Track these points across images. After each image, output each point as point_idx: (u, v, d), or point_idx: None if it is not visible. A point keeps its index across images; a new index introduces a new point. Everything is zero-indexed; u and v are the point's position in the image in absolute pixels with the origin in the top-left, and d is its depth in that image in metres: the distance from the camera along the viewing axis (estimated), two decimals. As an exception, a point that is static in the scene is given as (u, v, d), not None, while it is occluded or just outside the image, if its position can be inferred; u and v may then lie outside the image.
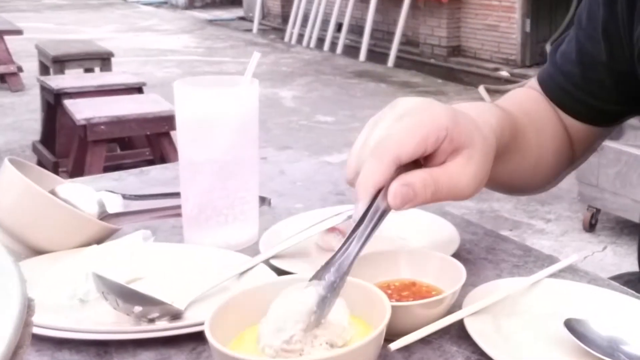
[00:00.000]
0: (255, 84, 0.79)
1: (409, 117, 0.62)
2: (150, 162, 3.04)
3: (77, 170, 2.95)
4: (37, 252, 0.74)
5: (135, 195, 0.87)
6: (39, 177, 0.78)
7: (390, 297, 0.66)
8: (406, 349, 0.60)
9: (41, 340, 0.61)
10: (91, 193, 0.79)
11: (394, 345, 0.58)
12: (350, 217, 0.84)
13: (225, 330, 0.54)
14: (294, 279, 0.60)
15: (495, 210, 3.36)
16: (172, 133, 2.94)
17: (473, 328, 0.61)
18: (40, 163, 3.43)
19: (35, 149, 3.65)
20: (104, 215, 0.79)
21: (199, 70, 6.62)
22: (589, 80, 0.88)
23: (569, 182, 3.53)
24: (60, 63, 4.09)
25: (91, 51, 4.27)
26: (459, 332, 0.63)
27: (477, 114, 0.69)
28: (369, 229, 0.58)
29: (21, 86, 5.38)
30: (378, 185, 0.60)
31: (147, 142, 3.21)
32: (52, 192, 0.77)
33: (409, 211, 0.90)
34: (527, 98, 0.90)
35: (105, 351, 0.61)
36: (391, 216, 0.88)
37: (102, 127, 2.81)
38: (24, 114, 4.75)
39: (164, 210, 0.84)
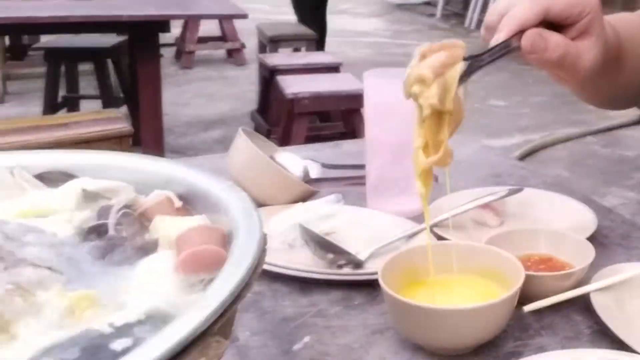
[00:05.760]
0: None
1: None
2: (343, 134, 3.09)
3: (285, 138, 3.02)
4: (258, 205, 0.84)
5: (331, 165, 0.95)
6: (262, 144, 0.87)
7: (528, 268, 0.69)
8: (538, 313, 0.64)
9: (261, 273, 0.71)
10: (299, 160, 0.89)
11: (527, 307, 0.63)
12: (502, 197, 0.87)
13: (394, 279, 0.61)
14: (449, 244, 0.66)
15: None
16: (361, 110, 2.97)
17: (597, 302, 0.63)
18: (256, 129, 3.61)
19: (253, 117, 3.78)
20: (307, 180, 0.88)
21: (387, 51, 6.62)
22: None
23: None
24: (275, 42, 4.23)
25: (300, 33, 4.43)
26: (585, 305, 0.65)
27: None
28: (494, 57, 0.58)
29: (243, 61, 5.57)
30: (522, 25, 0.58)
31: (341, 116, 3.28)
32: (272, 158, 0.86)
33: (557, 197, 0.92)
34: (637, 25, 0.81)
35: (306, 287, 0.68)
36: (541, 202, 0.90)
37: (306, 101, 2.93)
38: (245, 85, 4.90)
39: (353, 179, 0.92)
